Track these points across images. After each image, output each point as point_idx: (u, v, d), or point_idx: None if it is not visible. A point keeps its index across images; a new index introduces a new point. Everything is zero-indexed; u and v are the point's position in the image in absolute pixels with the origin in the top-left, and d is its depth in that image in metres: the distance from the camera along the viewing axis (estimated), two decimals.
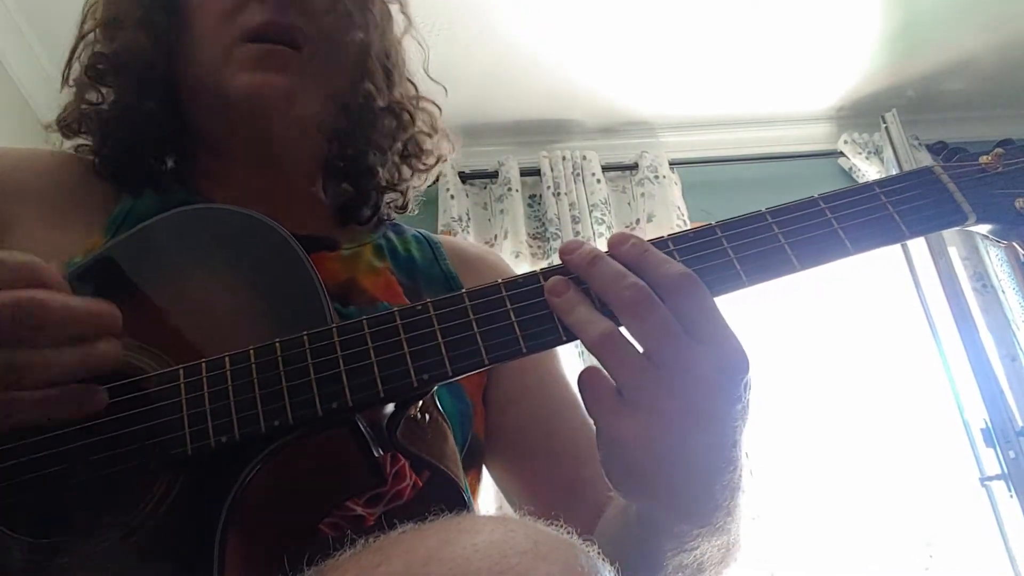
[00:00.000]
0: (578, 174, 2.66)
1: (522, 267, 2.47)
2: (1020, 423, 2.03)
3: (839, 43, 2.54)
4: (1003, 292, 2.35)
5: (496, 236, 2.63)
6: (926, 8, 2.43)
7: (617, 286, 0.46)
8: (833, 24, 2.46)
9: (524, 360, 0.49)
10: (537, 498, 0.71)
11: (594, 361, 0.47)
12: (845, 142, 2.75)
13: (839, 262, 0.51)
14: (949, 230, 0.55)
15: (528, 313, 0.48)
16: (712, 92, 2.72)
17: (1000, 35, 2.55)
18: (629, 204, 2.71)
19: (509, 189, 2.64)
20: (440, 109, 0.81)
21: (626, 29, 2.42)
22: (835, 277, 2.41)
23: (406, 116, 0.77)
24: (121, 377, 0.47)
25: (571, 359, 1.88)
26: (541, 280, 0.49)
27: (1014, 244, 0.55)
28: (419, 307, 0.49)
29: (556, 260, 0.51)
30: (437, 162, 0.81)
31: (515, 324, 0.48)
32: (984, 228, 0.55)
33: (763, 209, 0.52)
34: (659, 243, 0.50)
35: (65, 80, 0.71)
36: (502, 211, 2.63)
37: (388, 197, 0.78)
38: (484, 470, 0.74)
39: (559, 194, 2.60)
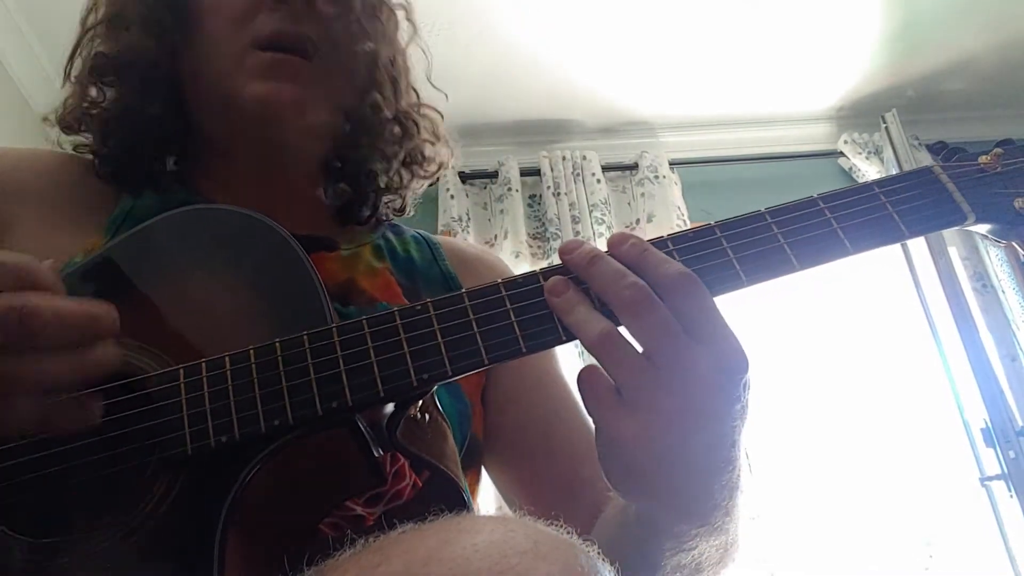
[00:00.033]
0: (578, 174, 2.66)
1: (522, 267, 2.47)
2: (1020, 423, 2.03)
3: (839, 43, 2.54)
4: (1003, 292, 2.35)
5: (496, 236, 2.63)
6: (926, 8, 2.43)
7: (617, 285, 0.46)
8: (833, 24, 2.46)
9: (522, 361, 0.49)
10: (534, 498, 0.71)
11: (594, 361, 0.47)
12: (845, 142, 2.75)
13: (838, 262, 0.51)
14: (949, 230, 0.55)
15: (528, 313, 0.48)
16: (712, 92, 2.72)
17: (1000, 35, 2.55)
18: (629, 204, 2.71)
19: (509, 189, 2.64)
20: (442, 116, 0.81)
21: (626, 29, 2.42)
22: (835, 277, 2.41)
23: (411, 125, 0.77)
24: (121, 377, 0.48)
25: (571, 359, 1.88)
26: (541, 280, 0.49)
27: (1013, 244, 0.55)
28: (419, 307, 0.49)
29: (556, 260, 0.51)
30: (439, 169, 0.82)
31: (515, 324, 0.48)
32: (983, 228, 0.55)
33: (762, 209, 0.52)
34: (658, 243, 0.50)
35: (67, 76, 0.71)
36: (502, 211, 2.63)
37: (386, 198, 0.79)
38: (483, 470, 0.74)
39: (559, 194, 2.60)
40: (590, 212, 2.59)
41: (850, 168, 2.78)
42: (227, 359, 0.47)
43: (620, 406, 0.45)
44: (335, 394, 0.46)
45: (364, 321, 0.48)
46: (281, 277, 0.53)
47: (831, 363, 2.51)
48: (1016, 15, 2.47)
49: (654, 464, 0.45)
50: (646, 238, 0.50)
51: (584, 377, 0.47)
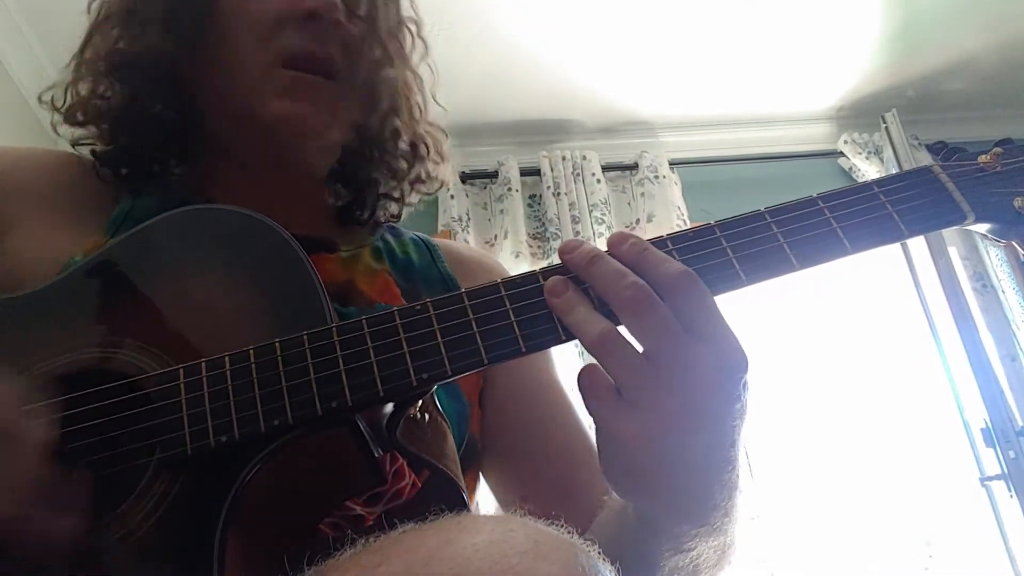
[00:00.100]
0: (578, 174, 2.66)
1: (522, 267, 2.47)
2: (1020, 423, 2.03)
3: (839, 43, 2.54)
4: (1003, 292, 2.35)
5: (496, 236, 2.63)
6: (926, 8, 2.43)
7: (617, 285, 0.46)
8: (833, 24, 2.46)
9: (520, 363, 0.49)
10: (530, 500, 0.71)
11: (594, 361, 0.47)
12: (845, 142, 2.75)
13: (838, 261, 0.51)
14: (948, 229, 0.55)
15: (527, 313, 0.48)
16: (712, 92, 2.72)
17: (1000, 35, 2.55)
18: (629, 204, 2.71)
19: (509, 189, 2.64)
20: (446, 135, 0.82)
21: (626, 29, 2.42)
22: (835, 277, 2.41)
23: (423, 147, 0.79)
24: (121, 377, 0.48)
25: (571, 359, 1.88)
26: (540, 280, 0.49)
27: (1013, 243, 0.55)
28: (418, 307, 0.49)
29: (556, 260, 0.51)
30: (440, 187, 0.83)
31: (514, 324, 0.48)
32: (983, 227, 0.55)
33: (762, 209, 0.52)
34: (658, 243, 0.50)
35: (78, 67, 0.70)
36: (502, 211, 2.63)
37: (384, 203, 0.79)
38: None
39: (559, 194, 2.60)
40: (590, 212, 2.59)
41: (850, 168, 2.78)
42: (227, 359, 0.47)
43: (620, 406, 0.45)
44: (335, 394, 0.46)
45: (364, 321, 0.48)
46: (281, 277, 0.53)
47: (831, 363, 2.51)
48: (1016, 15, 2.47)
49: (654, 464, 0.45)
50: (646, 238, 0.50)
51: (584, 377, 0.47)
